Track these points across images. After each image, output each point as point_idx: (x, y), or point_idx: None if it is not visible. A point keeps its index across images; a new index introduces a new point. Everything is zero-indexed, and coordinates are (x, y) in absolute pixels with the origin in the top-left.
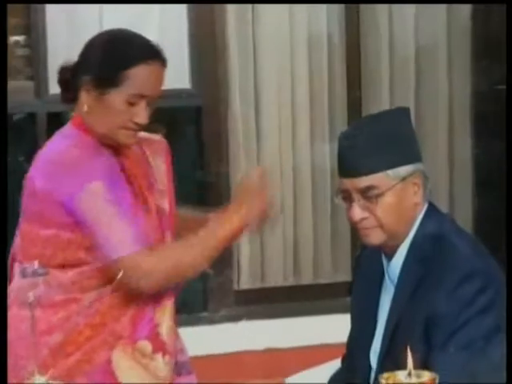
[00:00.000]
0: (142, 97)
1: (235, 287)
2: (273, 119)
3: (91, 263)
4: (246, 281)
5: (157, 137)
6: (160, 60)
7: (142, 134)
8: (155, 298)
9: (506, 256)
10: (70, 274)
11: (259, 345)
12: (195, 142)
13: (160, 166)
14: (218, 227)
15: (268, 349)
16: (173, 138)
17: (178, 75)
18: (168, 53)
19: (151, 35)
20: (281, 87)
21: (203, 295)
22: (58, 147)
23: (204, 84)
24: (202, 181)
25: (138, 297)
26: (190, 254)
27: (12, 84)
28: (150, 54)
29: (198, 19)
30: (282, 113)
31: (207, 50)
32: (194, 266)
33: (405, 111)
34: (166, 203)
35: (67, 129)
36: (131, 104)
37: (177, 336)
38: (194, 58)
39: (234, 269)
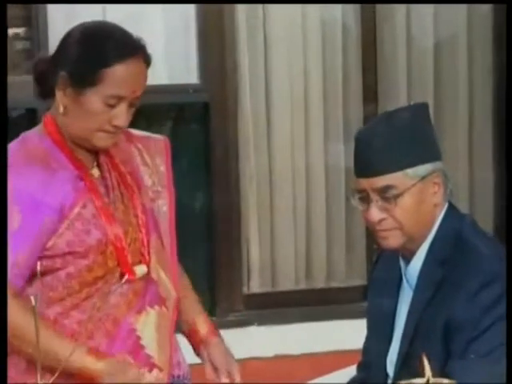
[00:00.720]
0: (120, 98)
1: (245, 291)
2: (284, 115)
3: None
4: (256, 284)
5: (158, 136)
6: (142, 57)
7: (141, 132)
8: (134, 308)
9: None
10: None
11: (270, 351)
12: (203, 140)
13: (159, 166)
14: (75, 351)
15: (279, 355)
16: (179, 135)
17: (185, 69)
18: (175, 46)
19: (157, 29)
20: (293, 82)
21: (211, 299)
22: (8, 150)
23: (212, 79)
24: (209, 180)
25: (108, 310)
26: (30, 332)
27: (11, 79)
28: (130, 51)
29: (206, 12)
30: (294, 109)
31: (215, 44)
32: (21, 341)
33: (423, 107)
34: (164, 205)
35: (34, 130)
36: (110, 106)
37: (174, 348)
38: (202, 52)
39: (244, 272)
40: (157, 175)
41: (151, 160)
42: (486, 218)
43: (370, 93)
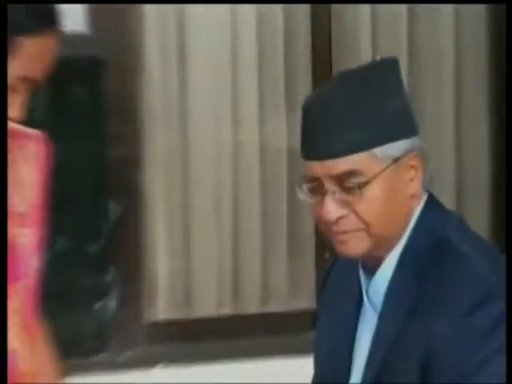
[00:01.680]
0: (26, 80)
1: (148, 318)
2: (205, 79)
3: None
4: (163, 309)
5: (33, 131)
6: (55, 29)
7: (16, 126)
8: None
9: None
10: None
11: None
12: (95, 108)
13: (28, 176)
14: None
15: None
16: (63, 103)
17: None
18: None
19: None
20: (216, 31)
21: (101, 330)
22: None
23: (106, 27)
24: (101, 164)
25: None
26: None
27: None
28: (43, 21)
29: None
30: (219, 67)
31: None
32: None
33: (392, 64)
34: (26, 233)
35: None
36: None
37: None
38: None
39: (146, 291)
40: (28, 188)
41: (25, 167)
42: (478, 217)
43: (321, 53)
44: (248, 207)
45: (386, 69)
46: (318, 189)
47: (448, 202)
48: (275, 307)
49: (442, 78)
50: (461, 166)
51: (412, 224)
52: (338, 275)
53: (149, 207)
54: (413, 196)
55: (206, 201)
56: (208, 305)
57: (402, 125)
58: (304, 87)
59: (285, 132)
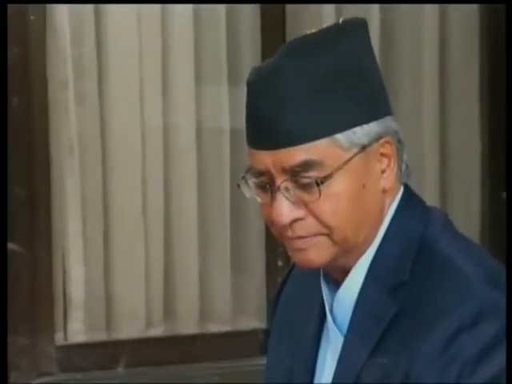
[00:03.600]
0: None
1: (59, 340)
2: (127, 41)
3: None
4: (78, 329)
5: None
6: None
7: None
8: None
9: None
10: None
11: None
12: None
13: None
14: None
15: None
16: None
17: None
18: None
19: None
20: None
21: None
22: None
23: None
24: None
25: None
26: None
27: None
28: None
29: None
30: (146, 32)
31: None
32: None
33: (359, 26)
34: None
35: None
36: None
37: None
38: None
39: (58, 308)
40: None
41: None
42: (466, 217)
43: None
44: (182, 205)
45: (350, 33)
46: (267, 185)
47: (430, 198)
48: (216, 327)
49: (424, 48)
50: (445, 154)
51: (385, 225)
52: (294, 288)
53: (59, 204)
54: (385, 191)
55: (129, 196)
56: (134, 324)
57: (372, 103)
58: (251, 56)
59: (226, 110)
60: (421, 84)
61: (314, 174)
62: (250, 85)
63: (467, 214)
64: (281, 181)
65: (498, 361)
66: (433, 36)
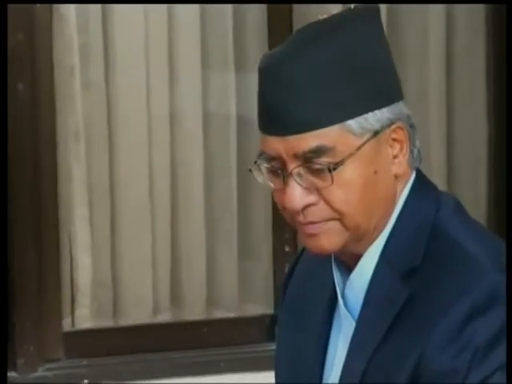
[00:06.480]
0: None
1: (67, 327)
2: (134, 28)
3: None
4: (85, 316)
5: None
6: None
7: None
8: None
9: None
10: None
11: None
12: None
13: None
14: None
15: None
16: None
17: None
18: None
19: None
20: None
21: (8, 344)
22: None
23: None
24: None
25: None
26: None
27: None
28: None
29: None
30: (152, 18)
31: None
32: None
33: (371, 13)
34: None
35: None
36: None
37: None
38: None
39: (65, 294)
40: None
41: None
42: (475, 203)
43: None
44: (188, 191)
45: (362, 19)
46: (279, 171)
47: (437, 183)
48: (223, 313)
49: (430, 34)
50: (453, 140)
51: (397, 211)
52: (304, 273)
53: (66, 191)
54: (397, 177)
55: (135, 183)
56: (141, 311)
57: (383, 89)
58: (257, 44)
59: (233, 97)
60: (427, 71)
61: (326, 159)
62: (261, 72)
63: (474, 201)
64: (293, 166)
65: (504, 343)
66: (439, 22)
